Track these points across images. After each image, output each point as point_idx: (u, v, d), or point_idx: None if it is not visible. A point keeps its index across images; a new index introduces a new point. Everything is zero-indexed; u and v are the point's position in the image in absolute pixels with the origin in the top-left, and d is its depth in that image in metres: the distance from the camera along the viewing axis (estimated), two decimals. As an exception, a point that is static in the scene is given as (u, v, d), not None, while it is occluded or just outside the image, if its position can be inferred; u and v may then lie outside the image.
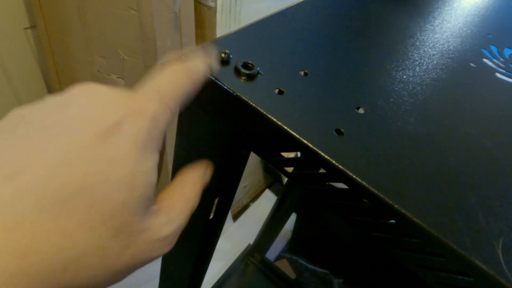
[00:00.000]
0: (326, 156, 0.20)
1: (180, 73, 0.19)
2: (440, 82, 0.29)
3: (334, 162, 0.20)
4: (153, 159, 0.16)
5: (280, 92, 0.23)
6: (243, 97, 0.22)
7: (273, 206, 1.00)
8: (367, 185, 0.19)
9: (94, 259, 0.14)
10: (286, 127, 0.21)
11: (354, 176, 0.19)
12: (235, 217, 1.36)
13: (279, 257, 1.29)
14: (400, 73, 0.28)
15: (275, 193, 1.47)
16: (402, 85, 0.27)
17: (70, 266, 0.13)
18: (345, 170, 0.19)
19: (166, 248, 0.18)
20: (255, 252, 1.16)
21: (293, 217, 1.22)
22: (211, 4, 0.84)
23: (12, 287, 0.12)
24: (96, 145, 0.14)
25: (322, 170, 0.21)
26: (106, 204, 0.14)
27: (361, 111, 0.24)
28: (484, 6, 0.47)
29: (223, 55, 0.23)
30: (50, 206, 0.13)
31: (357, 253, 1.13)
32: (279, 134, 0.21)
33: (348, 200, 0.21)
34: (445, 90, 0.29)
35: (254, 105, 0.21)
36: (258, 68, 0.24)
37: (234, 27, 0.95)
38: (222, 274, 1.10)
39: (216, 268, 1.14)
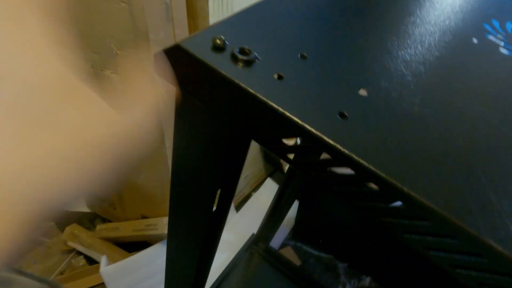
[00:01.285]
0: (331, 141, 0.19)
1: None
2: (443, 60, 0.28)
3: (339, 147, 0.19)
4: None
5: (280, 77, 0.22)
6: (242, 84, 0.21)
7: (275, 194, 1.00)
8: (374, 169, 0.19)
9: None
10: (288, 113, 0.20)
11: (361, 161, 0.19)
12: (237, 208, 1.36)
13: (283, 245, 1.30)
14: (402, 52, 0.28)
15: (277, 181, 1.47)
16: (404, 64, 0.26)
17: None
18: (351, 154, 0.19)
19: None
20: (259, 241, 1.16)
21: (295, 205, 1.22)
22: (203, -8, 0.82)
23: None
24: None
25: (325, 156, 0.21)
26: None
27: (363, 93, 0.23)
28: (483, -20, 0.45)
29: (218, 41, 0.22)
30: None
31: (360, 237, 1.13)
32: (280, 121, 0.20)
33: (355, 185, 0.21)
34: (449, 69, 0.28)
35: (253, 92, 0.21)
36: (256, 53, 0.23)
37: (227, 16, 0.93)
38: (227, 265, 1.11)
39: (220, 259, 1.14)
